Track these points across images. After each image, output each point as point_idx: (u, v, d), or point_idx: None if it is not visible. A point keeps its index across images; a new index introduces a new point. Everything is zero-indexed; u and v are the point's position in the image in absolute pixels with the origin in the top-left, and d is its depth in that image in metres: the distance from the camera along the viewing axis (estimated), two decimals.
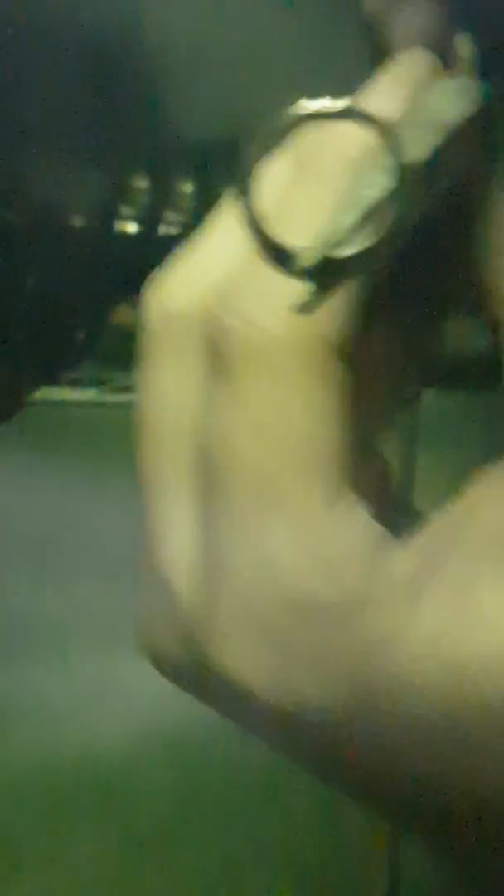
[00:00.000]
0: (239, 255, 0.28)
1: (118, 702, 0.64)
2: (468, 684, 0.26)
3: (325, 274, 0.24)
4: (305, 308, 0.25)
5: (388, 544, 0.28)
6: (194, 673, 0.28)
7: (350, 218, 0.24)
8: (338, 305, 0.27)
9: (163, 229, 0.60)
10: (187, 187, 0.59)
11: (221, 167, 0.62)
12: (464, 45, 0.28)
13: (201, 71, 0.62)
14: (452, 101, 0.26)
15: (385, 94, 0.28)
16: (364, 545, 0.27)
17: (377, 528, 0.28)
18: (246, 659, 0.27)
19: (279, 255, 0.24)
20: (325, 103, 0.23)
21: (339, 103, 0.23)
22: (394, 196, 0.24)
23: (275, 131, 0.23)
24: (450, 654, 0.26)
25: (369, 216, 0.24)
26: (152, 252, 0.59)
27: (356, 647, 0.26)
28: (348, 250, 0.24)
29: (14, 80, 0.55)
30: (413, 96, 0.28)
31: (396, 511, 0.31)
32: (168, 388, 0.29)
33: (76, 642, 0.66)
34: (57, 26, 0.54)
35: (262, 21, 0.53)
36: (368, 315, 0.28)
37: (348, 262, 0.24)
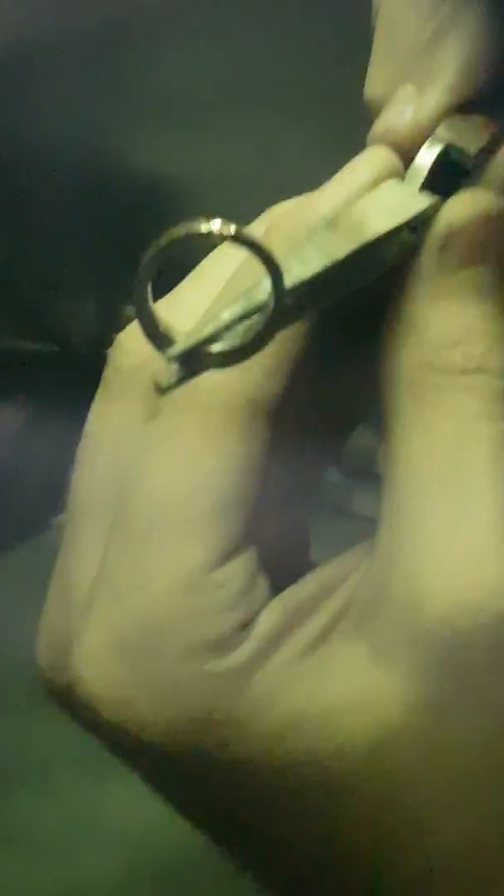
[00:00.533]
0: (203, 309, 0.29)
1: (107, 832, 0.63)
2: (297, 736, 0.28)
3: (191, 362, 0.26)
4: (164, 390, 0.26)
5: (262, 599, 0.29)
6: (65, 685, 0.29)
7: (226, 316, 0.25)
8: (266, 366, 0.28)
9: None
10: None
11: None
12: (425, 156, 0.30)
13: (194, 204, 0.63)
14: (384, 211, 0.28)
15: (328, 193, 0.30)
16: (239, 599, 0.28)
17: (260, 583, 0.29)
18: (102, 676, 0.28)
19: (157, 338, 0.26)
20: (215, 225, 0.24)
21: (230, 228, 0.24)
22: (268, 310, 0.25)
23: (163, 250, 0.24)
24: (288, 707, 0.28)
25: (243, 319, 0.26)
26: None
27: (204, 687, 0.28)
28: (216, 346, 0.26)
29: (24, 219, 0.57)
30: (350, 199, 0.29)
31: (296, 564, 0.31)
32: (111, 426, 0.31)
33: (64, 769, 0.65)
34: (58, 166, 0.56)
35: (256, 158, 0.55)
36: (298, 374, 0.29)
37: (214, 356, 0.26)
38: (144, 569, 0.28)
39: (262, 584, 0.29)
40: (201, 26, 0.52)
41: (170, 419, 0.29)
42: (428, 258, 0.29)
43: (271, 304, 0.25)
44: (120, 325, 0.63)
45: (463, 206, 0.29)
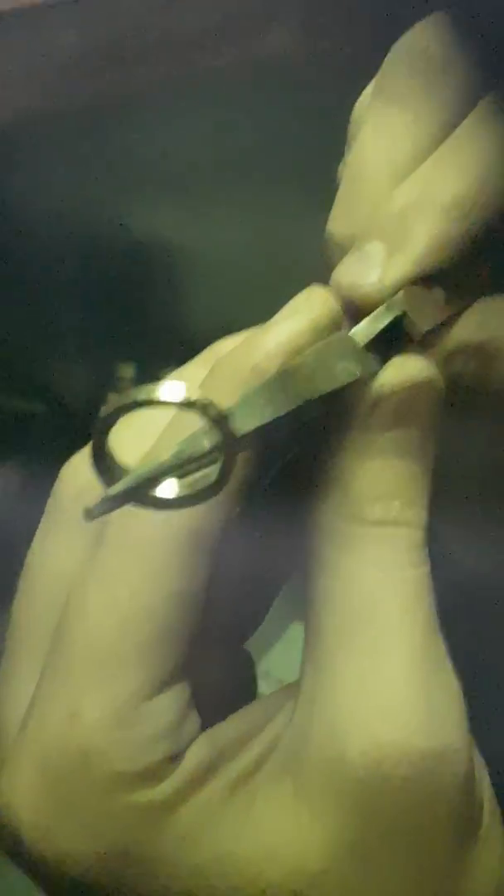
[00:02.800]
0: (146, 450, 0.30)
1: None
2: (220, 876, 0.28)
3: (132, 499, 0.27)
4: (91, 516, 0.26)
5: (192, 732, 0.29)
6: None
7: (169, 459, 0.27)
8: (211, 503, 0.28)
9: None
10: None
11: None
12: (378, 319, 0.31)
13: (188, 270, 0.64)
14: (329, 371, 0.29)
15: (270, 335, 0.30)
16: (168, 732, 0.28)
17: (191, 717, 0.29)
18: (26, 802, 0.28)
19: (107, 476, 0.26)
20: (165, 391, 0.25)
21: (177, 393, 0.25)
22: (207, 460, 0.27)
23: (114, 412, 0.26)
24: (212, 845, 0.28)
25: (188, 465, 0.27)
26: None
27: (127, 819, 0.28)
28: (160, 489, 0.27)
29: (20, 280, 0.58)
30: (290, 342, 0.30)
31: (235, 697, 0.32)
32: (56, 550, 0.31)
33: None
34: (55, 231, 0.57)
35: (248, 228, 0.56)
36: (240, 504, 0.30)
37: (155, 498, 0.27)
38: (76, 697, 0.28)
39: (193, 719, 0.29)
40: (197, 98, 0.53)
41: (113, 548, 0.29)
42: (358, 417, 0.30)
43: (219, 468, 0.26)
44: (114, 386, 0.63)
45: (395, 372, 0.30)
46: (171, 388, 0.25)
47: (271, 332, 0.30)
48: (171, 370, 0.66)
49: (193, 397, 0.25)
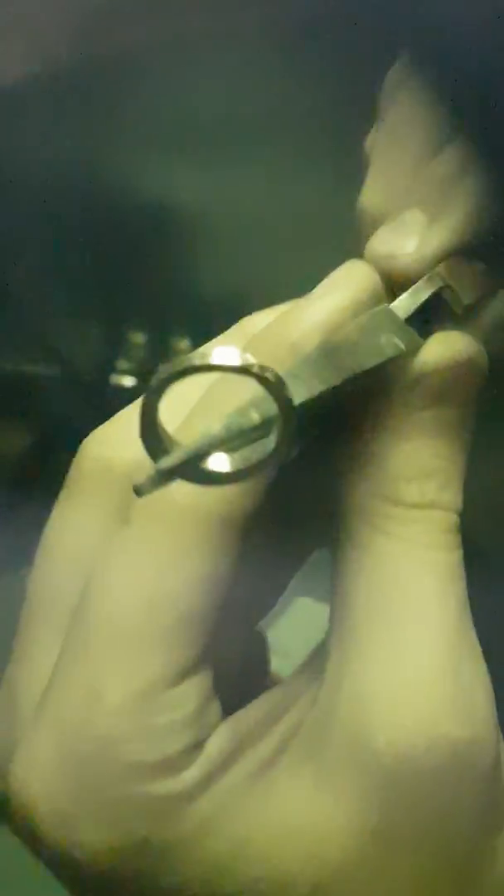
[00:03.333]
0: (176, 423, 0.29)
1: None
2: (241, 864, 0.27)
3: (182, 475, 0.25)
4: (141, 492, 0.25)
5: (214, 720, 0.29)
6: (3, 794, 0.29)
7: (218, 434, 0.26)
8: (241, 488, 0.28)
9: None
10: (183, 344, 0.61)
11: (218, 325, 0.63)
12: (421, 291, 0.30)
13: (202, 234, 0.64)
14: (373, 345, 0.28)
15: (308, 313, 0.29)
16: (191, 721, 0.28)
17: (213, 705, 0.29)
18: (44, 786, 0.28)
19: (155, 449, 0.26)
20: (220, 355, 0.24)
21: (233, 358, 0.24)
22: (257, 434, 0.26)
23: (168, 377, 0.24)
24: (233, 833, 0.27)
25: (235, 439, 0.26)
26: None
27: (146, 808, 0.27)
28: (211, 462, 0.26)
29: (29, 247, 0.58)
30: (330, 319, 0.29)
31: (251, 678, 0.31)
32: (77, 522, 0.30)
33: None
34: (66, 193, 0.56)
35: (265, 193, 0.55)
36: (269, 492, 0.29)
37: (207, 472, 0.25)
38: (98, 680, 0.27)
39: (215, 706, 0.29)
40: (207, 56, 0.52)
41: (140, 529, 0.28)
42: (397, 395, 0.29)
43: (276, 438, 0.25)
44: (125, 351, 0.63)
45: (437, 349, 0.29)
46: (226, 353, 0.24)
47: (311, 308, 0.29)
48: (184, 338, 0.65)
49: (250, 362, 0.24)
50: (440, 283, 0.30)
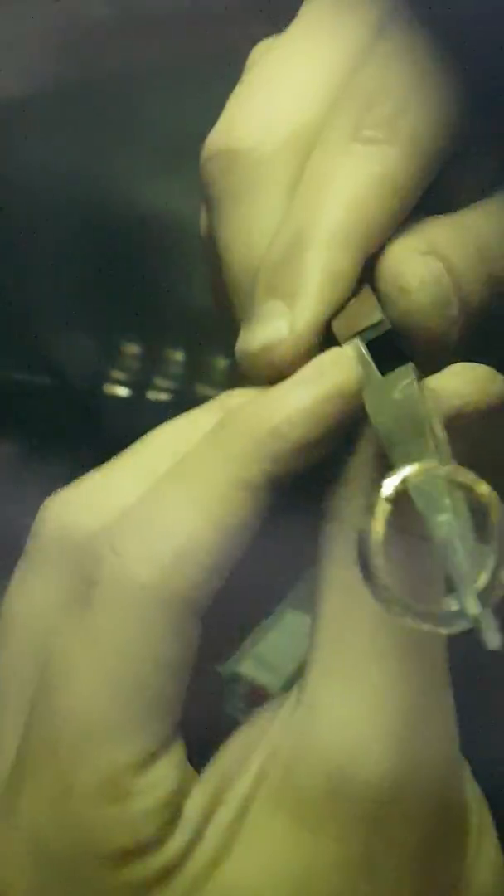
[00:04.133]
0: (142, 493, 0.28)
1: None
2: None
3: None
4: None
5: (189, 787, 0.28)
6: None
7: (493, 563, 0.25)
8: (204, 566, 0.27)
9: (152, 395, 0.61)
10: (177, 355, 0.61)
11: (210, 337, 0.63)
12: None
13: (197, 245, 0.64)
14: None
15: (285, 406, 0.28)
16: (168, 799, 0.27)
17: (188, 772, 0.28)
18: (17, 878, 0.27)
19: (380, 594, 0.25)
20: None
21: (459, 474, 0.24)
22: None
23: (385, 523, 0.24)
24: (221, 880, 0.27)
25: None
26: (141, 416, 0.60)
27: (134, 888, 0.27)
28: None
29: (26, 257, 0.58)
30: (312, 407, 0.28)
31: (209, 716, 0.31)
32: (35, 595, 0.30)
33: None
34: (60, 203, 0.56)
35: None
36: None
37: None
38: (67, 773, 0.27)
39: (190, 772, 0.28)
40: (204, 72, 0.52)
41: (103, 612, 0.27)
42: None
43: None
44: (119, 361, 0.63)
45: (467, 388, 0.28)
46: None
47: (295, 394, 0.28)
48: (178, 349, 0.65)
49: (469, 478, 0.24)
50: (378, 323, 0.30)
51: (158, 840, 0.27)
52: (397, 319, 0.29)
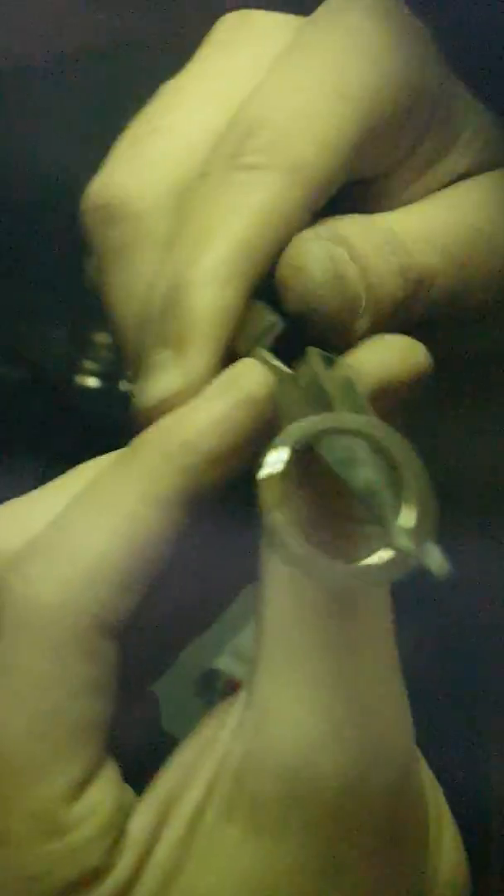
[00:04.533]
0: (54, 517, 0.28)
1: None
2: None
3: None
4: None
5: (130, 804, 0.27)
6: None
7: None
8: (115, 583, 0.27)
9: (125, 385, 0.60)
10: None
11: None
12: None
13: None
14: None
15: (196, 419, 0.28)
16: (108, 823, 0.27)
17: (125, 791, 0.27)
18: None
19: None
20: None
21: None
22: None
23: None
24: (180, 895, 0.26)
25: None
26: (114, 407, 0.58)
27: None
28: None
29: None
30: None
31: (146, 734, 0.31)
32: None
33: None
34: (30, 194, 0.55)
35: None
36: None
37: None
38: (6, 822, 0.26)
39: (129, 793, 0.27)
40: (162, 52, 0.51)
41: (11, 640, 0.27)
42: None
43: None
44: (90, 351, 0.61)
45: (386, 359, 0.29)
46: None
47: (204, 408, 0.28)
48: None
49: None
50: (273, 325, 0.29)
51: (104, 867, 0.26)
52: (297, 305, 0.29)
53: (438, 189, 0.32)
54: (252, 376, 0.28)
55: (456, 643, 0.43)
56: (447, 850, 0.29)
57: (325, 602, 0.27)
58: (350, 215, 0.31)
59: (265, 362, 0.29)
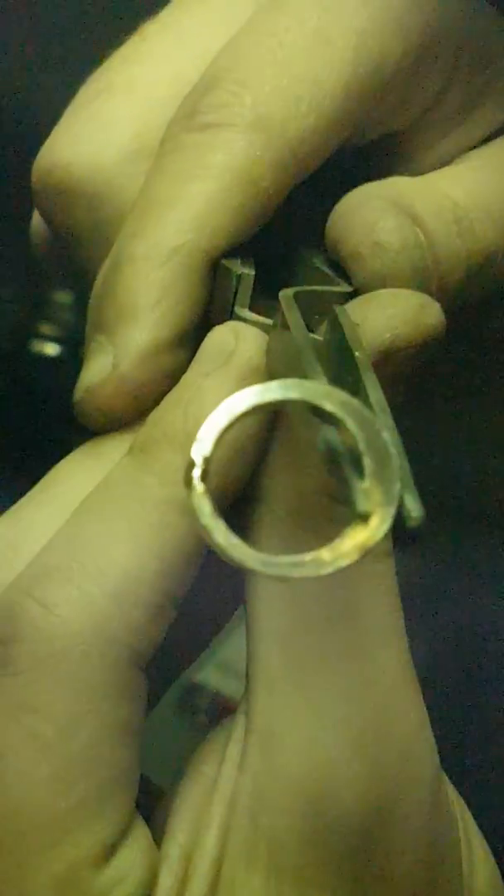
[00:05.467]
0: (56, 531, 0.25)
1: None
2: None
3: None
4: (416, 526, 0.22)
5: (157, 869, 0.24)
6: None
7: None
8: (150, 605, 0.24)
9: None
10: None
11: None
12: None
13: None
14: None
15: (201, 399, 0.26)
16: (138, 892, 0.24)
17: (155, 857, 0.24)
18: None
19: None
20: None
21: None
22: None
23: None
24: None
25: None
26: (74, 379, 0.51)
27: None
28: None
29: None
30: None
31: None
32: None
33: None
34: None
35: None
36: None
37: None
38: (16, 880, 0.22)
39: (156, 855, 0.24)
40: None
41: (29, 677, 0.23)
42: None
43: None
44: (48, 313, 0.54)
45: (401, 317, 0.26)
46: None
47: (208, 388, 0.26)
48: None
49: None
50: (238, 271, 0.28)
51: None
52: (367, 278, 0.27)
53: (480, 142, 0.30)
54: (246, 343, 0.26)
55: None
56: (480, 866, 0.27)
57: (324, 607, 0.24)
58: (409, 180, 0.28)
59: (249, 322, 0.28)
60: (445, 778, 0.27)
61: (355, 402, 0.24)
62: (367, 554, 0.22)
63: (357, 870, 0.24)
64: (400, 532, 0.23)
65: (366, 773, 0.24)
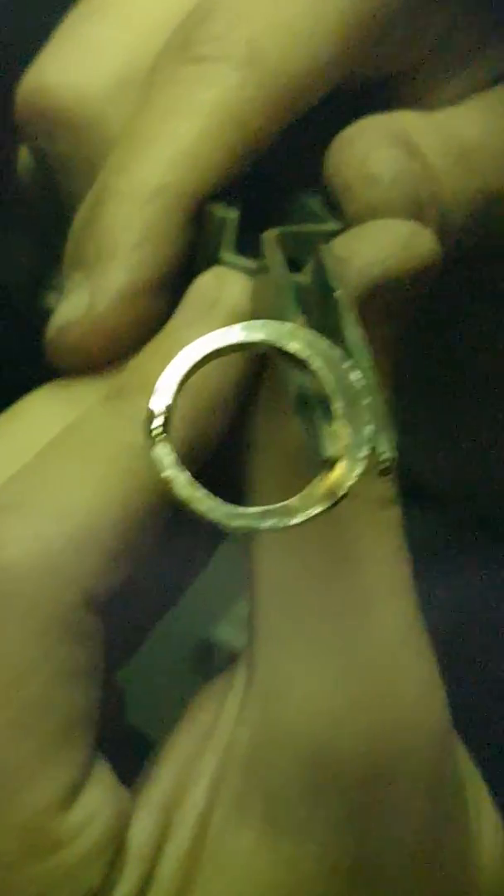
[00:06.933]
0: (18, 470, 0.25)
1: None
2: None
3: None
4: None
5: (126, 806, 0.24)
6: None
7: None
8: (107, 550, 0.24)
9: None
10: None
11: None
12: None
13: None
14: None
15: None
16: (108, 834, 0.24)
17: (122, 798, 0.24)
18: None
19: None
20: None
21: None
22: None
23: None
24: None
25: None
26: None
27: None
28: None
29: None
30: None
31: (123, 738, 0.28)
32: None
33: None
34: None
35: None
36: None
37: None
38: None
39: (125, 798, 0.24)
40: None
41: None
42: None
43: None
44: (57, 265, 0.53)
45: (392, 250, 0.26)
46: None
47: (193, 334, 0.25)
48: None
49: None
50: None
51: (105, 888, 0.23)
52: (358, 212, 0.26)
53: (486, 86, 0.29)
54: (230, 290, 0.26)
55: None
56: (489, 839, 0.26)
57: (325, 557, 0.24)
58: (413, 114, 0.27)
59: (236, 266, 0.27)
60: (458, 740, 0.27)
61: (323, 341, 0.23)
62: (339, 501, 0.22)
63: (356, 827, 0.24)
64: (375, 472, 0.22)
65: (366, 729, 0.24)
